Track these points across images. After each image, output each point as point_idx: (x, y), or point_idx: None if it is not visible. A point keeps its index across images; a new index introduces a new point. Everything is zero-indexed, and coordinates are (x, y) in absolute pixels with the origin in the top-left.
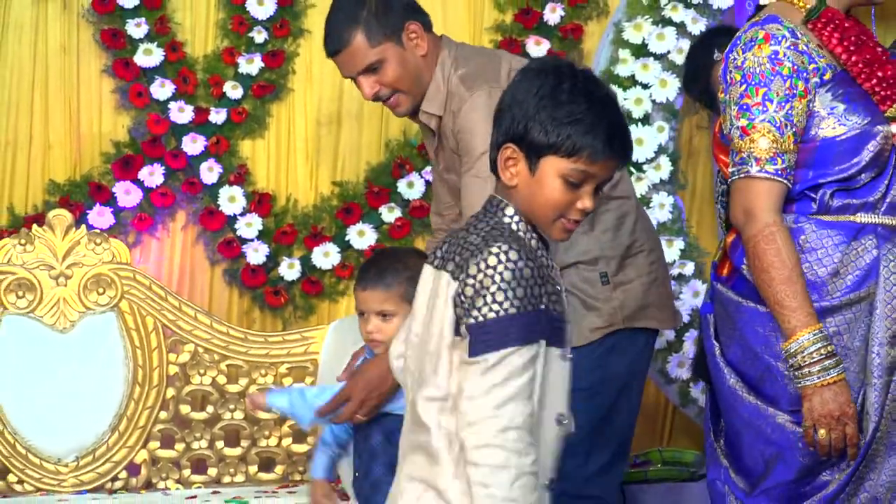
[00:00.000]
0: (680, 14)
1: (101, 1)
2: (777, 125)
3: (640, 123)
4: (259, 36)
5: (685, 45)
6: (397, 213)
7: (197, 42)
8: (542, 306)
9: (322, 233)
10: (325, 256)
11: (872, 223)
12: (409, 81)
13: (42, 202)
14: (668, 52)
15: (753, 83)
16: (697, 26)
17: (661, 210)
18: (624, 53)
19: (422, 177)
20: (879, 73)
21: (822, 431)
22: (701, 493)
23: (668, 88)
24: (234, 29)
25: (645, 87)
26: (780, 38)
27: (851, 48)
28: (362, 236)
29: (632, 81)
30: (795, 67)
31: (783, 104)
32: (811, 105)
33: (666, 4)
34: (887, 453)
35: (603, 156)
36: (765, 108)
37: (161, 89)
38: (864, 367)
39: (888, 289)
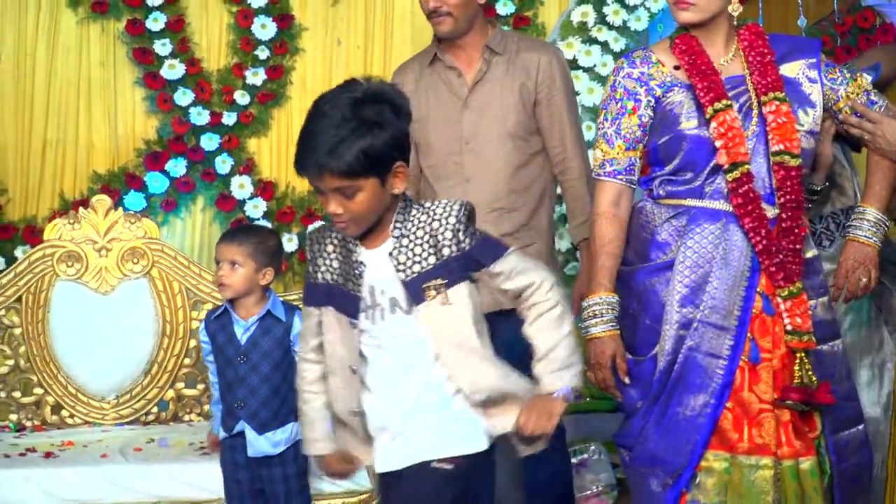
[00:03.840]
0: (604, 34)
1: (133, 24)
2: (607, 138)
3: None
4: (262, 53)
5: (608, 59)
6: None
7: (212, 58)
8: (312, 280)
9: (315, 213)
10: None
11: (695, 206)
12: None
13: (87, 189)
14: (595, 65)
15: (602, 106)
16: (619, 44)
17: None
18: None
19: None
20: (699, 84)
21: (589, 373)
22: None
23: (594, 95)
24: (242, 48)
25: (576, 94)
26: (619, 70)
27: (688, 65)
28: None
29: None
30: (626, 91)
31: (614, 121)
32: (643, 119)
33: (592, 27)
34: (686, 392)
35: (297, 171)
36: (602, 125)
37: (183, 97)
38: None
39: (682, 259)
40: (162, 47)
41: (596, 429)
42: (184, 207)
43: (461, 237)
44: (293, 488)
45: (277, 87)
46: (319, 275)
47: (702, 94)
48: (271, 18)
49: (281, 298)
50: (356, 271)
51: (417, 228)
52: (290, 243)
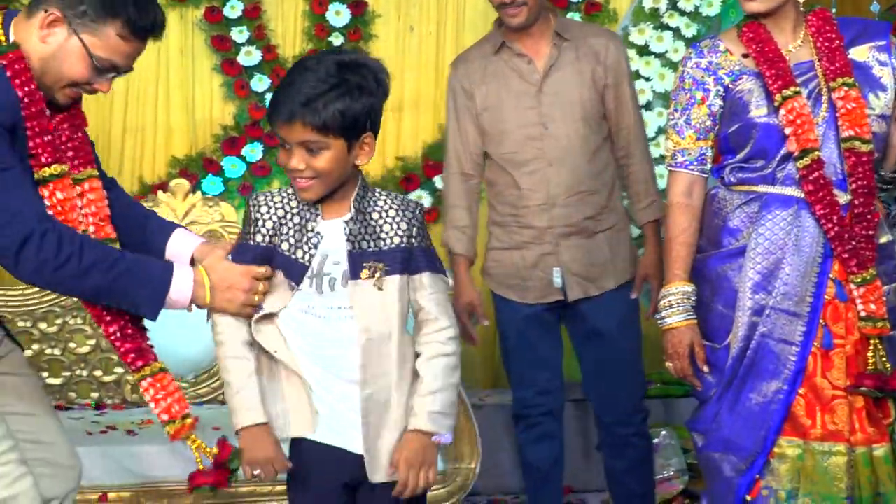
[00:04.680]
0: (676, 20)
1: (211, 12)
2: (678, 129)
3: (644, 109)
4: (336, 40)
5: (680, 45)
6: None
7: (287, 45)
8: (250, 241)
9: None
10: None
11: (767, 192)
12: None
13: (165, 174)
14: (666, 51)
15: (672, 97)
16: (690, 30)
17: (661, 179)
18: (630, 53)
19: None
20: (768, 72)
21: (667, 363)
22: (691, 406)
23: (666, 81)
24: (317, 34)
25: (647, 79)
26: (687, 60)
27: (756, 52)
28: (420, 200)
29: (637, 75)
30: (695, 81)
31: (684, 112)
32: (712, 108)
33: (664, 13)
34: (758, 379)
35: (270, 118)
36: (672, 116)
37: (259, 83)
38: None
39: (754, 246)
40: (239, 34)
41: (666, 414)
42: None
43: (413, 233)
44: None
45: None
46: (260, 236)
47: (770, 82)
48: (345, 5)
49: None
50: (312, 241)
51: (373, 210)
52: None
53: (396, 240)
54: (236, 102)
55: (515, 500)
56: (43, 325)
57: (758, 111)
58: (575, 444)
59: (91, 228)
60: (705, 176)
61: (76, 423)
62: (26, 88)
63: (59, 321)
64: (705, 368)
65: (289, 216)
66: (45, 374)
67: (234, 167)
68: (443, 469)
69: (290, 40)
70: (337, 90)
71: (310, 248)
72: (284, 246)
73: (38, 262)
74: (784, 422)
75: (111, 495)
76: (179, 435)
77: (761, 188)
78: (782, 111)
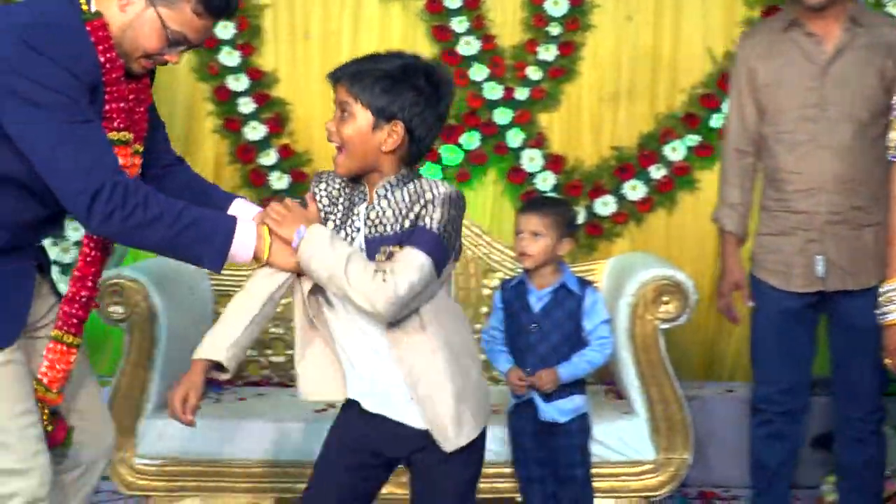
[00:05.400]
0: None
1: (433, 3)
2: None
3: None
4: (554, 30)
5: None
6: (663, 171)
7: (505, 35)
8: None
9: (602, 187)
10: (605, 206)
11: None
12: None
13: None
14: None
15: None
16: None
17: None
18: None
19: (683, 143)
20: None
21: (887, 360)
22: None
23: None
24: (535, 24)
25: None
26: None
27: None
28: (635, 190)
29: None
30: None
31: None
32: None
33: (889, 1)
34: None
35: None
36: (895, 108)
37: (477, 73)
38: None
39: None
40: (458, 25)
41: (889, 412)
42: (476, 180)
43: (421, 213)
44: (576, 460)
45: (569, 62)
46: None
47: None
48: None
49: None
50: (356, 224)
51: (403, 198)
52: (577, 216)
53: (407, 223)
54: (455, 91)
55: (726, 493)
56: None
57: None
58: (807, 439)
59: None
60: None
61: (299, 402)
62: (108, 55)
63: (283, 301)
64: None
65: (341, 198)
66: (268, 352)
67: (451, 155)
68: (654, 458)
69: (509, 30)
70: (385, 71)
71: (352, 231)
72: (330, 225)
73: (107, 213)
74: None
75: None
76: (42, 399)
77: None
78: None
